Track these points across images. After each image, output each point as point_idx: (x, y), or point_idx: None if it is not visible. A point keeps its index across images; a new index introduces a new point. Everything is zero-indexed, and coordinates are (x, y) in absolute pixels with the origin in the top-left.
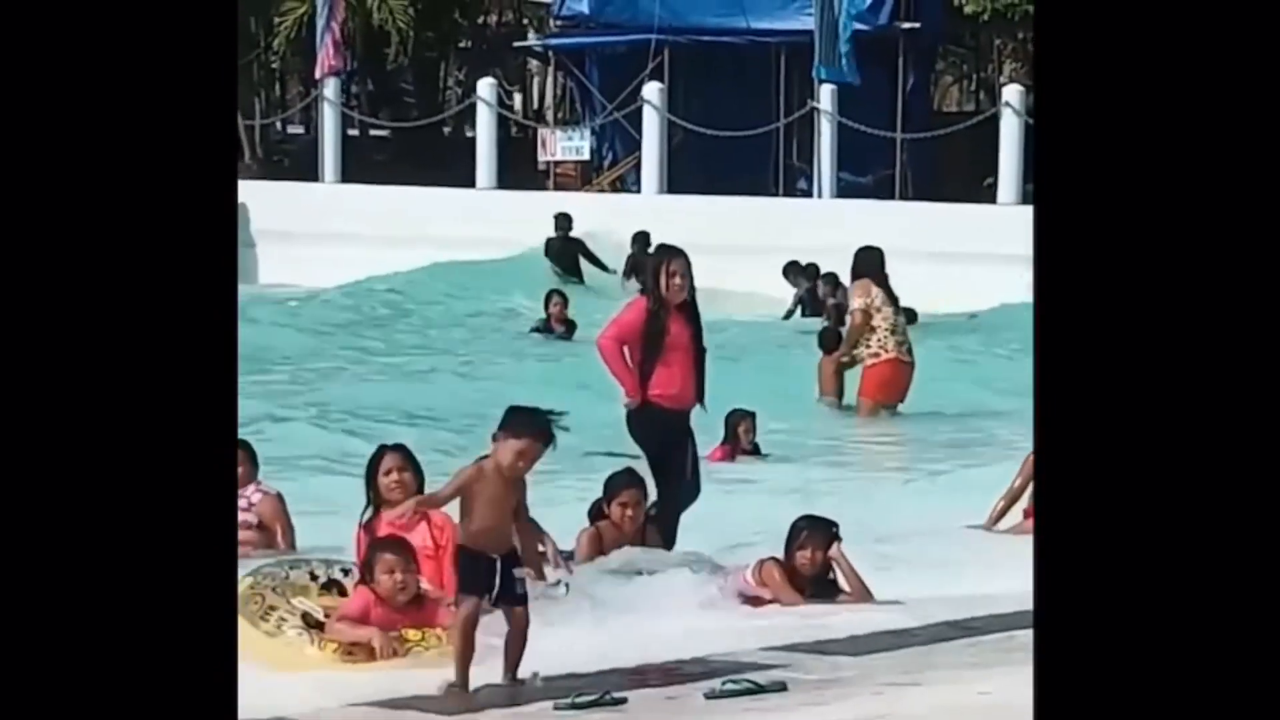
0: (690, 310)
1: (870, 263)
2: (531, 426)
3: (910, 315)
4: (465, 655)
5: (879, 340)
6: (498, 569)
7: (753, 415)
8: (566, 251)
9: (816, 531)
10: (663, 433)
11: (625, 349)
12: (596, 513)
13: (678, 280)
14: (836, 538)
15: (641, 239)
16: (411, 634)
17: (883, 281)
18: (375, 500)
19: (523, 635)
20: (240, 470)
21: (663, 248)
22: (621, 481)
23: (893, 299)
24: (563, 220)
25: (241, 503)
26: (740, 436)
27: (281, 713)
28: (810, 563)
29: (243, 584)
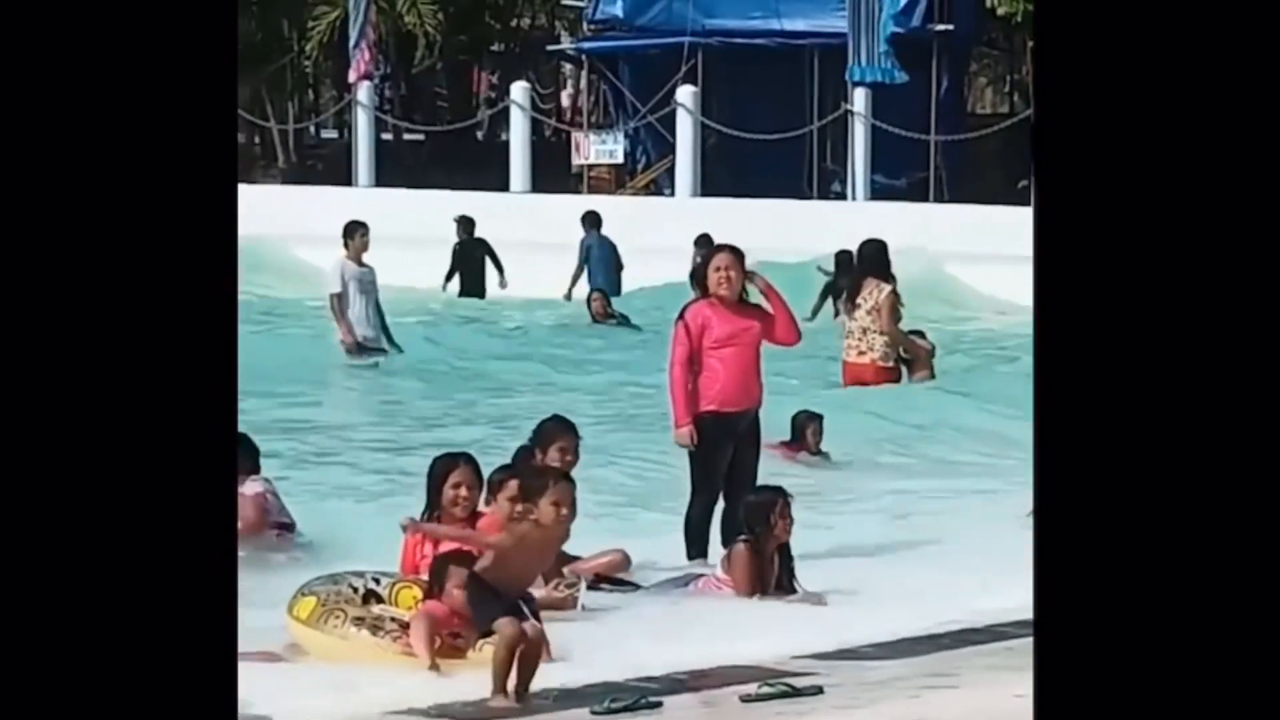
0: (751, 309)
1: (866, 257)
2: (546, 474)
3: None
4: (506, 672)
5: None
6: (510, 603)
7: (820, 418)
8: (473, 254)
9: (788, 498)
10: (711, 443)
11: (691, 367)
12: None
13: (723, 274)
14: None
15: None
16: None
17: (864, 280)
18: (434, 506)
19: (536, 655)
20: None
21: (713, 246)
22: (553, 428)
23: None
24: (465, 223)
25: None
26: (808, 438)
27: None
28: (788, 529)
29: (306, 601)
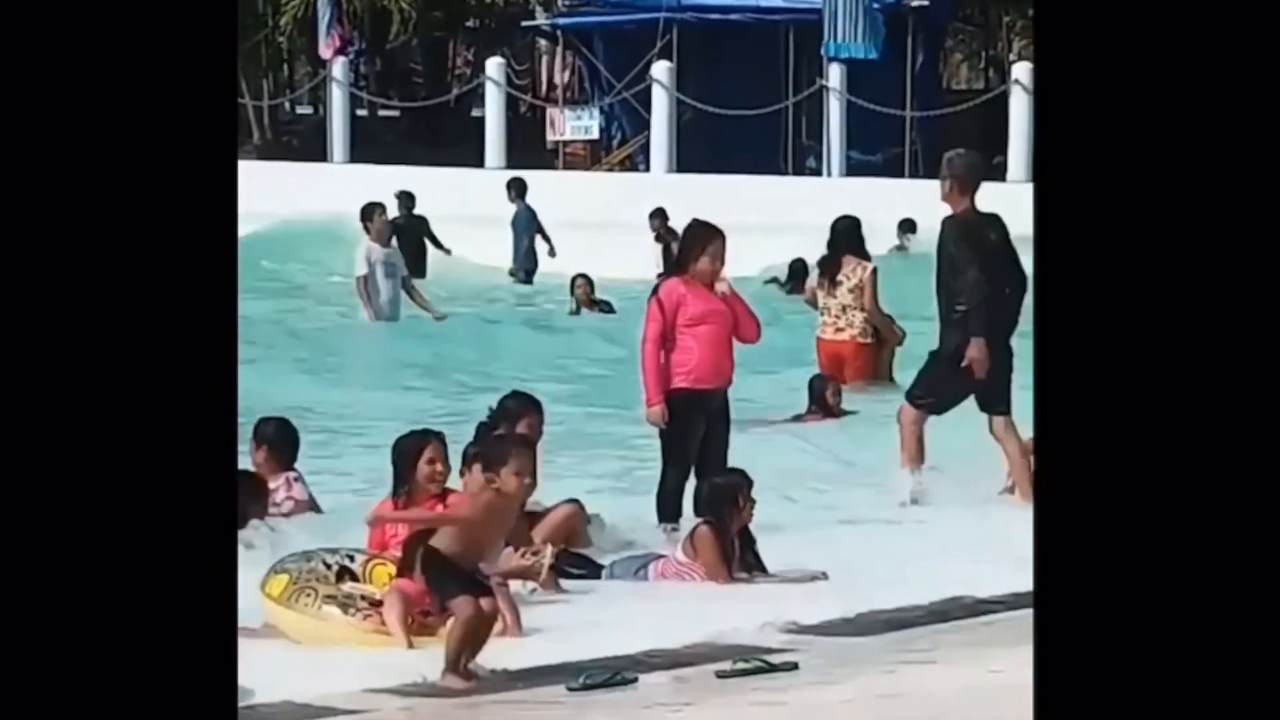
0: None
1: (842, 234)
2: (509, 443)
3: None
4: (466, 650)
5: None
6: (467, 579)
7: (836, 379)
8: (411, 231)
9: (747, 483)
10: (683, 420)
11: (663, 345)
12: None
13: (719, 263)
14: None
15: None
16: None
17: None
18: (407, 484)
19: (487, 631)
20: (281, 455)
21: (700, 224)
22: (516, 405)
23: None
24: (406, 199)
25: (280, 488)
26: (828, 399)
27: (295, 696)
28: (751, 512)
29: (278, 579)
